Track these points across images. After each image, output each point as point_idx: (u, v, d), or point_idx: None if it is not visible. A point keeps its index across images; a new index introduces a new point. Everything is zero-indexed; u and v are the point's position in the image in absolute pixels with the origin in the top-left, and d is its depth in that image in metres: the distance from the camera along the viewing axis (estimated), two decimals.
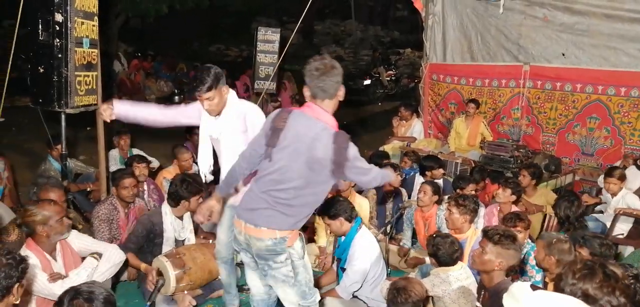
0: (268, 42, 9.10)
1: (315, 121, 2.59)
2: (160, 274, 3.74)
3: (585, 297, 2.07)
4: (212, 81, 3.03)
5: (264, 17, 20.59)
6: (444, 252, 3.34)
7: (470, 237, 3.91)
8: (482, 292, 3.10)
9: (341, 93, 2.68)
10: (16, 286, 2.24)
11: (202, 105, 3.16)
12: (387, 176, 3.00)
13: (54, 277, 3.00)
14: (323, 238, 4.87)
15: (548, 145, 7.20)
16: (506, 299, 2.30)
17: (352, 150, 2.60)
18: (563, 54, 7.11)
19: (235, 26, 20.60)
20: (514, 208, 4.65)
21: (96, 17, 4.63)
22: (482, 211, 4.72)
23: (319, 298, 2.92)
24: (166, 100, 13.75)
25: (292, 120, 2.62)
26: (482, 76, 7.79)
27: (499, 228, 3.10)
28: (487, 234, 3.01)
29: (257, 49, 9.07)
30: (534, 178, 5.39)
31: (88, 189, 5.62)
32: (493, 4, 7.43)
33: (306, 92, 2.67)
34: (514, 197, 4.66)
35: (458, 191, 5.02)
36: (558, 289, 2.18)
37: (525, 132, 7.43)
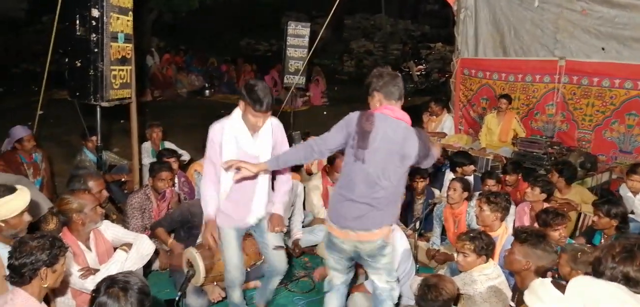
0: (298, 36, 9.10)
1: (398, 122, 2.82)
2: (190, 265, 3.81)
3: (627, 279, 2.09)
4: (272, 98, 3.08)
5: (294, 11, 20.62)
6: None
7: (501, 235, 3.85)
8: (516, 294, 3.05)
9: (402, 99, 2.93)
10: (44, 269, 2.31)
11: (257, 121, 3.06)
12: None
13: (86, 274, 3.07)
14: None
15: (584, 142, 7.00)
16: (528, 296, 2.25)
17: (430, 144, 2.94)
18: (603, 49, 6.89)
19: (265, 21, 20.72)
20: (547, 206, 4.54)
21: (131, 12, 4.72)
22: (512, 209, 4.63)
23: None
24: (197, 94, 13.98)
25: (379, 123, 2.78)
26: (516, 71, 7.62)
27: (528, 227, 3.05)
28: (515, 233, 2.98)
29: (287, 43, 9.08)
30: (562, 176, 5.23)
31: (122, 180, 5.75)
32: None
33: (377, 96, 2.87)
34: (544, 196, 4.54)
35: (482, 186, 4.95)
36: (597, 273, 2.19)
37: (560, 129, 7.24)
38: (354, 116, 2.82)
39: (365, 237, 2.87)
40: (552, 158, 6.12)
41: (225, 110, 3.35)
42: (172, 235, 4.29)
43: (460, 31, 8.17)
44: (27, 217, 2.92)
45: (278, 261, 3.44)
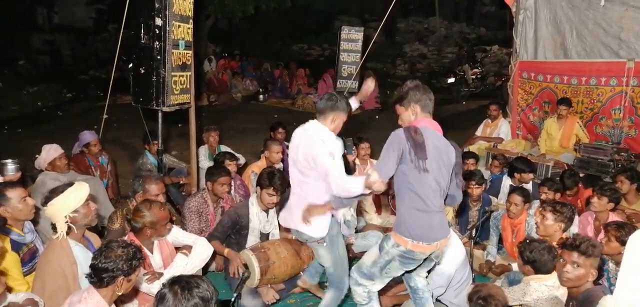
0: (351, 41, 9.11)
1: (437, 133, 2.93)
2: (245, 266, 3.89)
3: None
4: None
5: (346, 15, 20.67)
6: (543, 259, 3.17)
7: None
8: (570, 303, 2.93)
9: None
10: (122, 278, 2.42)
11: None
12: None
13: (151, 278, 3.20)
14: None
15: None
16: None
17: None
18: None
19: (318, 25, 20.88)
20: (612, 216, 4.31)
21: (191, 20, 4.88)
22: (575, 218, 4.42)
23: None
24: (251, 98, 14.27)
25: (425, 134, 2.84)
26: (579, 74, 7.27)
27: (582, 237, 2.94)
28: (578, 248, 2.84)
29: (340, 48, 9.10)
30: (634, 182, 4.93)
31: (181, 183, 5.95)
32: None
33: (414, 108, 2.95)
34: (611, 205, 4.31)
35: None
36: None
37: (628, 135, 6.84)
38: (400, 133, 2.84)
39: (444, 243, 3.00)
40: (619, 165, 5.81)
41: (278, 114, 3.42)
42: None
43: (519, 33, 7.90)
44: (93, 205, 3.08)
45: None
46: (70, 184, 3.06)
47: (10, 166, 4.19)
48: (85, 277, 2.46)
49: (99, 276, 2.39)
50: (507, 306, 2.95)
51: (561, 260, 2.87)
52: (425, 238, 2.88)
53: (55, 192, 2.99)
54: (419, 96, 2.93)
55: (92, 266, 2.42)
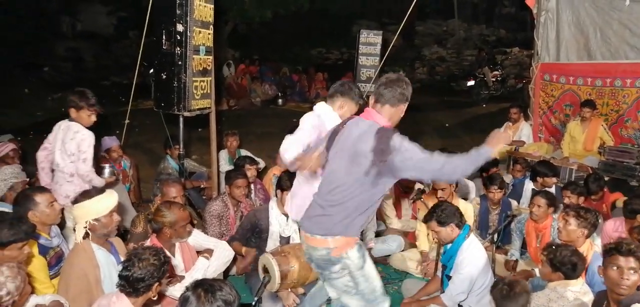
0: (370, 44, 9.11)
1: (364, 121, 2.69)
2: (266, 270, 3.89)
3: None
4: None
5: (364, 19, 20.62)
6: (572, 265, 3.11)
7: (587, 251, 3.60)
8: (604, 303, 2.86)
9: (403, 107, 2.73)
10: (156, 285, 2.48)
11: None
12: (480, 158, 2.75)
13: (172, 281, 3.23)
14: (425, 243, 4.79)
15: None
16: None
17: (399, 139, 2.50)
18: None
19: (336, 29, 20.82)
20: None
21: (211, 26, 4.94)
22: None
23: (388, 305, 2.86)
24: (270, 103, 14.32)
25: (349, 124, 2.74)
26: (603, 75, 7.14)
27: (629, 240, 2.87)
28: (635, 253, 2.77)
29: (359, 51, 9.11)
30: None
31: (201, 186, 6.00)
32: None
33: (371, 99, 2.76)
34: None
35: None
36: None
37: None
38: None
39: (310, 241, 2.72)
40: None
41: (297, 118, 3.43)
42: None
43: (541, 35, 7.79)
44: (116, 217, 3.13)
45: None
46: (102, 191, 3.13)
47: (108, 170, 4.67)
48: (116, 287, 2.48)
49: (134, 286, 2.40)
50: (529, 295, 2.90)
51: (614, 267, 2.75)
52: (302, 223, 2.84)
53: (86, 195, 3.06)
54: (375, 87, 2.76)
55: (124, 277, 2.41)
